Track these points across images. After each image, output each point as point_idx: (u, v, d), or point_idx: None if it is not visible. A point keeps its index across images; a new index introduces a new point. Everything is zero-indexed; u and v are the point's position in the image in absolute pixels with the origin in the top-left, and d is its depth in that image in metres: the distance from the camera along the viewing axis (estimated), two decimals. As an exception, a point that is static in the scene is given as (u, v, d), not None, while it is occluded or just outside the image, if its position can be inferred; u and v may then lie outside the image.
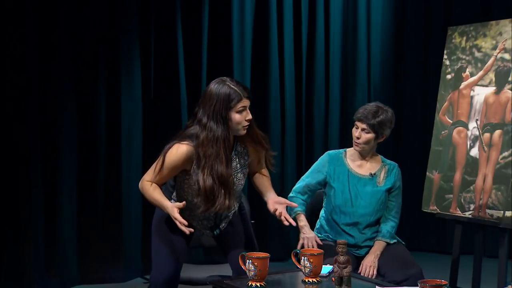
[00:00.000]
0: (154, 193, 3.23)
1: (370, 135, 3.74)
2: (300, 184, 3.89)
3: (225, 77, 3.22)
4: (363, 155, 3.83)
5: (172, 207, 3.13)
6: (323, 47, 6.04)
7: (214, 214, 3.34)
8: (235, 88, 3.15)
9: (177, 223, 3.11)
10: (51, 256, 4.96)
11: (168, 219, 3.30)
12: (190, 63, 5.45)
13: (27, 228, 4.83)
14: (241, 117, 3.17)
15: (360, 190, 3.78)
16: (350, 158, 3.86)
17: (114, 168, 5.21)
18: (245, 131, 3.22)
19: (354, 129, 3.80)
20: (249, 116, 3.20)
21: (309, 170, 3.91)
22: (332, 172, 3.83)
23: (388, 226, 3.80)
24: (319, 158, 3.93)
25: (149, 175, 3.26)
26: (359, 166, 3.84)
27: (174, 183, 3.35)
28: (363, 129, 3.74)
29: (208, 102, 3.15)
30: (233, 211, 3.42)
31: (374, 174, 3.82)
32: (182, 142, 3.17)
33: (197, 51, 5.47)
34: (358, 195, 3.78)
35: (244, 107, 3.17)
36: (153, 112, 5.34)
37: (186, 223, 3.12)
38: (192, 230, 3.16)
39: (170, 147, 3.18)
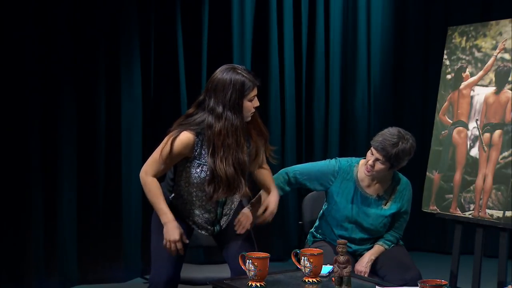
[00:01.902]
0: (160, 200, 3.21)
1: (385, 166, 3.55)
2: (297, 173, 3.71)
3: (233, 65, 3.19)
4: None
5: (175, 229, 3.18)
6: (323, 47, 6.04)
7: (215, 207, 3.34)
8: (248, 76, 3.13)
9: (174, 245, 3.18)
10: (51, 256, 4.96)
11: None
12: (190, 63, 5.45)
13: (27, 228, 4.83)
14: (251, 105, 3.17)
15: (363, 211, 3.66)
16: (361, 174, 3.66)
17: (114, 168, 5.22)
18: (250, 118, 3.22)
19: (369, 154, 3.58)
20: (257, 103, 3.20)
21: (316, 170, 3.71)
22: (338, 186, 3.68)
23: (392, 237, 3.75)
24: (329, 163, 3.72)
25: (152, 166, 3.20)
26: (368, 185, 3.67)
27: (173, 176, 3.33)
28: (377, 159, 3.53)
29: (222, 91, 3.11)
30: (234, 207, 3.43)
31: (382, 196, 3.68)
32: (188, 130, 3.15)
33: (197, 51, 5.47)
34: (360, 215, 3.67)
35: (255, 95, 3.17)
36: (153, 112, 5.34)
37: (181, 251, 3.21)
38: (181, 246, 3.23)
39: (177, 135, 3.14)
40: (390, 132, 3.55)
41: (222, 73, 3.15)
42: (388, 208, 3.68)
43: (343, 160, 3.74)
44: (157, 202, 3.22)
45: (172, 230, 3.19)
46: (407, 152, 3.53)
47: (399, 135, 3.53)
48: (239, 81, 3.11)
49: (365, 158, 3.65)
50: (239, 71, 3.14)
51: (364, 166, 3.63)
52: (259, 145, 3.33)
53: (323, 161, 3.80)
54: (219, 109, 3.11)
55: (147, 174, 3.22)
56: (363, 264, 3.65)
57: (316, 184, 3.74)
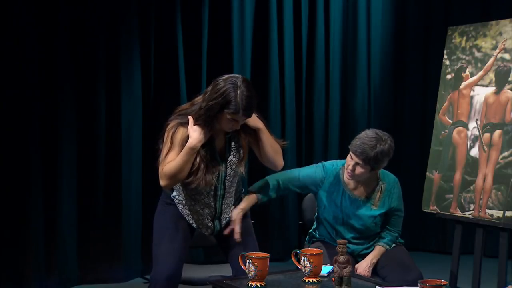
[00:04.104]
0: (176, 159, 3.21)
1: (365, 170, 3.52)
2: (287, 181, 3.65)
3: (240, 80, 3.19)
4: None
5: (190, 127, 3.22)
6: (323, 47, 6.04)
7: (214, 201, 3.37)
8: (239, 101, 3.14)
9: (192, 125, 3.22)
10: (51, 256, 4.96)
11: (169, 217, 3.37)
12: (190, 63, 5.45)
13: (27, 228, 4.84)
14: (229, 123, 3.22)
15: (353, 213, 3.64)
16: (346, 177, 3.63)
17: (114, 168, 5.22)
18: (230, 130, 3.30)
19: (348, 158, 3.55)
20: (236, 127, 3.25)
21: (304, 177, 3.67)
22: (326, 190, 3.66)
23: (391, 236, 3.74)
24: (316, 169, 3.69)
25: (164, 162, 3.24)
26: (354, 188, 3.65)
27: None
28: (357, 163, 3.51)
29: (213, 93, 3.18)
30: (232, 206, 3.46)
31: (370, 196, 3.65)
32: (184, 125, 3.25)
33: (197, 51, 5.47)
34: (350, 217, 3.65)
35: (236, 120, 3.20)
36: (153, 112, 5.34)
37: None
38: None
39: (175, 130, 3.25)
40: (367, 135, 3.53)
41: (227, 82, 3.18)
42: (378, 208, 3.66)
43: (328, 164, 3.71)
44: (181, 155, 3.21)
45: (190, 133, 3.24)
46: (386, 153, 3.51)
47: (376, 137, 3.51)
48: (227, 98, 3.15)
49: None
50: (238, 91, 3.15)
51: (345, 171, 3.61)
52: (255, 136, 3.37)
53: (308, 167, 3.76)
54: (203, 104, 3.21)
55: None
56: (364, 268, 3.64)
57: (305, 190, 3.75)
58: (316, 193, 3.72)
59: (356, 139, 3.55)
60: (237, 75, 3.26)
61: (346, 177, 3.61)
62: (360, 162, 3.50)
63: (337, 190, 3.66)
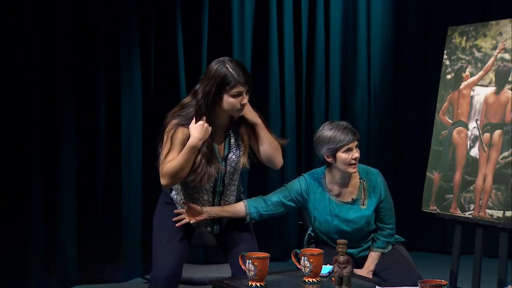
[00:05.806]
0: (177, 158, 3.21)
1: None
2: (282, 197, 3.61)
3: (230, 58, 3.23)
4: (345, 178, 3.59)
5: (191, 126, 3.21)
6: (323, 47, 6.04)
7: (212, 198, 3.39)
8: (233, 72, 3.16)
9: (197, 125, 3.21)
10: (51, 256, 4.97)
11: (169, 216, 3.37)
12: (190, 63, 5.45)
13: (27, 228, 4.84)
14: (235, 101, 3.20)
15: (344, 218, 3.60)
16: (330, 184, 3.62)
17: (114, 168, 5.22)
18: (240, 113, 3.27)
19: (348, 154, 3.50)
20: (245, 101, 3.23)
21: (289, 189, 3.63)
22: (313, 201, 3.62)
23: (384, 236, 3.68)
24: (299, 182, 3.64)
25: (164, 162, 3.24)
26: (339, 193, 3.62)
27: None
28: (356, 146, 3.54)
29: (206, 80, 3.20)
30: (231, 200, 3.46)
31: (356, 199, 3.62)
32: (182, 126, 3.24)
33: (197, 51, 5.47)
34: (343, 223, 3.61)
35: (239, 92, 3.19)
36: (153, 112, 5.35)
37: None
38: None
39: (175, 131, 3.24)
40: (340, 124, 3.56)
41: (214, 63, 3.21)
42: (367, 207, 3.62)
43: (308, 176, 3.67)
44: (182, 153, 3.21)
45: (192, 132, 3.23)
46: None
47: (336, 122, 3.59)
48: (221, 75, 3.16)
49: (328, 167, 3.61)
50: (227, 65, 3.17)
51: (346, 167, 3.55)
52: (246, 147, 3.36)
53: (292, 182, 3.71)
54: (199, 96, 3.21)
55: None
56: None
57: (298, 204, 3.67)
58: (304, 205, 3.68)
59: (338, 136, 3.52)
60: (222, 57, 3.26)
61: (350, 171, 3.55)
62: (357, 143, 3.55)
63: (324, 200, 3.62)
